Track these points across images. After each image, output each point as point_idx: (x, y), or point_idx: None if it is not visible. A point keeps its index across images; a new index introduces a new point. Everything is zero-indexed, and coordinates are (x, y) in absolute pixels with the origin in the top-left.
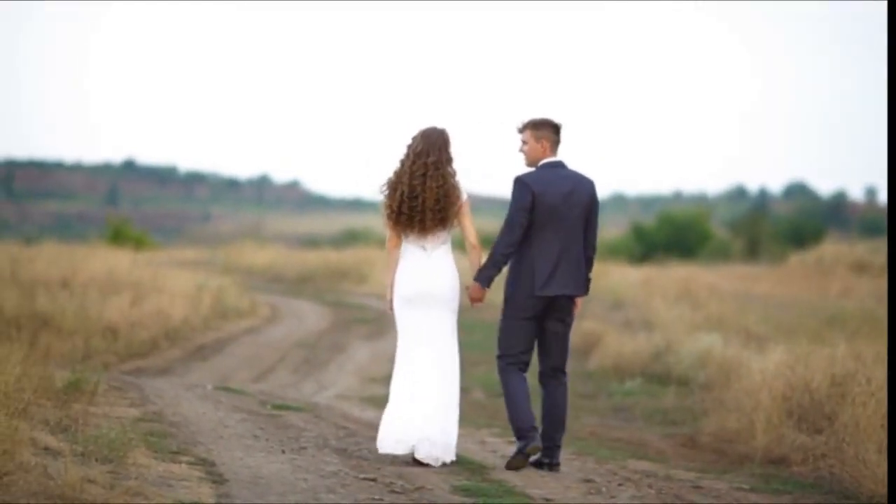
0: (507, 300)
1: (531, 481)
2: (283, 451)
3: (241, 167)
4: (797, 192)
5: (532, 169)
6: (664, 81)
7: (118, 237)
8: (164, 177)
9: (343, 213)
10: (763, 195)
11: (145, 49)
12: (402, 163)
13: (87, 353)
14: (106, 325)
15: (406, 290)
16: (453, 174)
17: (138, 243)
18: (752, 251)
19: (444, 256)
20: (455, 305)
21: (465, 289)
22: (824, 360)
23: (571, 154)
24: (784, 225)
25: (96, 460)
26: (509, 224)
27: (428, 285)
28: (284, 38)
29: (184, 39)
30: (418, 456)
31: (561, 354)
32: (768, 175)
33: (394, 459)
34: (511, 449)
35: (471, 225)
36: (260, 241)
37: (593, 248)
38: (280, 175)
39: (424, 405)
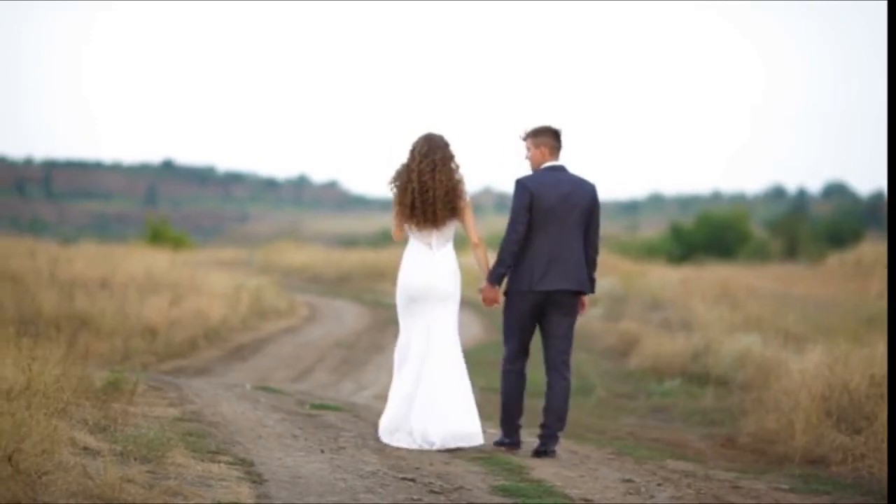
0: (507, 295)
1: (570, 481)
2: (322, 451)
3: (279, 167)
4: (836, 192)
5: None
6: (704, 80)
7: (157, 237)
8: (202, 177)
9: (381, 213)
10: (802, 195)
11: (185, 49)
12: (408, 164)
13: (125, 353)
14: (145, 326)
15: (412, 285)
16: (458, 168)
17: (177, 243)
18: (791, 251)
19: (448, 255)
20: (457, 302)
21: (478, 290)
22: (863, 360)
23: (610, 154)
24: (823, 225)
25: (135, 460)
26: (511, 224)
27: (433, 281)
28: (324, 38)
29: (223, 40)
30: (428, 445)
31: (563, 349)
32: (807, 175)
33: (432, 458)
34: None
35: (473, 223)
36: (298, 241)
37: (595, 249)
38: (318, 175)
39: (424, 399)
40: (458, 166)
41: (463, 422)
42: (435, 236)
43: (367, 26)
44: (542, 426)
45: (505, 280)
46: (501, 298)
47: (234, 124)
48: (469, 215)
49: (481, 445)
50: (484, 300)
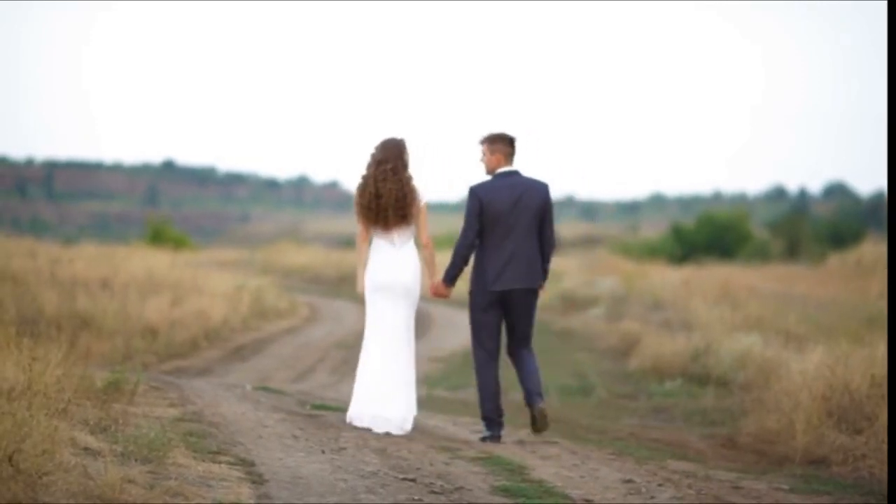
0: (469, 295)
1: (571, 482)
2: (323, 451)
3: (280, 168)
4: (837, 192)
5: (489, 177)
6: (704, 81)
7: (158, 238)
8: (203, 177)
9: None
10: (803, 195)
11: (185, 49)
12: (368, 168)
13: (126, 353)
14: (145, 326)
15: (377, 279)
16: (409, 179)
17: (178, 244)
18: (792, 252)
19: (409, 252)
20: (417, 295)
21: (430, 285)
22: (864, 360)
23: (611, 154)
24: (824, 225)
25: (136, 460)
26: (463, 229)
27: (395, 276)
28: (323, 38)
29: (223, 40)
30: (376, 429)
31: (525, 333)
32: (808, 175)
33: (433, 458)
34: (550, 450)
35: (424, 226)
36: (299, 241)
37: (551, 245)
38: (319, 175)
39: (384, 384)
40: (410, 176)
41: (403, 408)
42: (396, 234)
43: (367, 26)
44: (525, 395)
45: (469, 280)
46: (449, 293)
47: (234, 125)
48: (422, 219)
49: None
50: (433, 293)
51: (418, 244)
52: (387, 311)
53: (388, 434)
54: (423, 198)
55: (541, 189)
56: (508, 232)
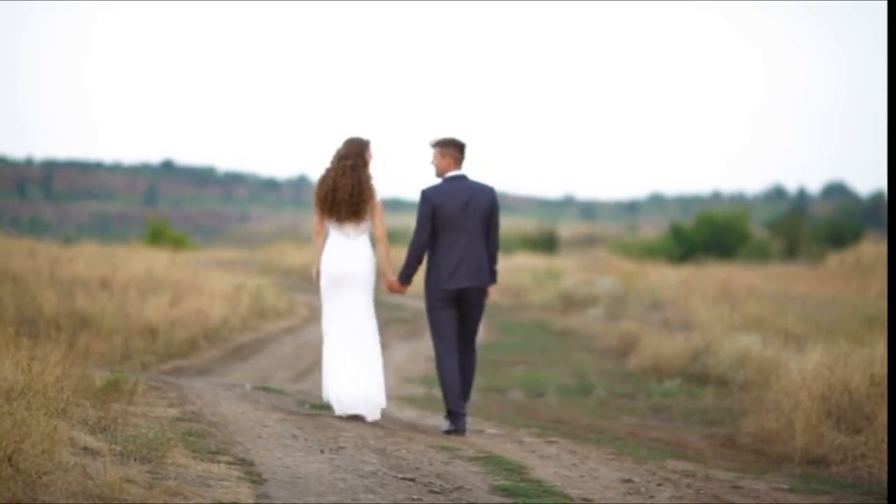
0: (425, 294)
1: (570, 481)
2: (322, 451)
3: (279, 167)
4: (836, 192)
5: (439, 180)
6: (704, 80)
7: (157, 237)
8: (202, 177)
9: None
10: (802, 195)
11: (185, 49)
12: (332, 163)
13: (126, 353)
14: (145, 325)
15: (331, 270)
16: (368, 177)
17: (177, 243)
18: (791, 251)
19: (363, 244)
20: (371, 285)
21: (384, 282)
22: (864, 360)
23: (611, 154)
24: (823, 225)
25: (135, 460)
26: (416, 230)
27: (349, 267)
28: (323, 38)
29: (223, 39)
30: (345, 412)
31: (470, 335)
32: (807, 175)
33: (432, 458)
34: (549, 449)
35: (380, 222)
36: (298, 241)
37: (496, 246)
38: (318, 175)
39: (344, 369)
40: (369, 175)
41: (371, 391)
42: (350, 227)
43: (367, 26)
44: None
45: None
46: (405, 290)
47: (234, 124)
48: (377, 215)
49: (380, 416)
50: (388, 288)
51: (374, 239)
52: (344, 301)
53: (358, 416)
54: (378, 195)
55: (488, 192)
56: (459, 233)
